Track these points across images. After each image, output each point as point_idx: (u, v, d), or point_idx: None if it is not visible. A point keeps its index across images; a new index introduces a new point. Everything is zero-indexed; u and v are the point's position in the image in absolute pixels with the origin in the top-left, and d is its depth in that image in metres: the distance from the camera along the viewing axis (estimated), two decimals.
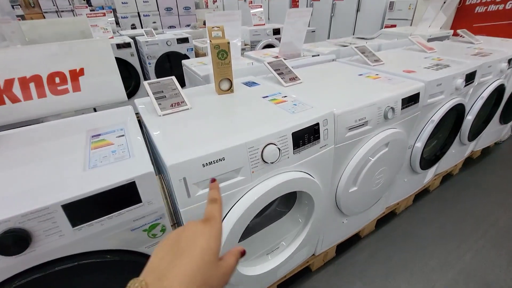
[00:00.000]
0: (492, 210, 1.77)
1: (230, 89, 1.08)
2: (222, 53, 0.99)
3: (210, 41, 0.99)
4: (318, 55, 1.66)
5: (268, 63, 1.23)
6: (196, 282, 0.28)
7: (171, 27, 4.70)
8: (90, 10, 4.17)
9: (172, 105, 0.92)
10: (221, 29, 1.01)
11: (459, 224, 1.68)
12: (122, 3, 4.25)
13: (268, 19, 7.06)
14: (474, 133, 1.83)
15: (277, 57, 1.69)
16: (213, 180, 0.42)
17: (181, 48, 2.96)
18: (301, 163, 0.86)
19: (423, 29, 2.22)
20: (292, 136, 0.79)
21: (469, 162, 2.24)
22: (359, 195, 1.15)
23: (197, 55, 3.10)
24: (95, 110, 0.99)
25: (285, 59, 1.59)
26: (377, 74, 1.28)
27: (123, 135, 0.78)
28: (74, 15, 4.19)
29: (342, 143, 0.96)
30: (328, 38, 5.93)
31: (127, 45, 2.69)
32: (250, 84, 1.19)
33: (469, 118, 1.63)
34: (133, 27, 4.42)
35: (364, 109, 0.97)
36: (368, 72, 1.32)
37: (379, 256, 1.50)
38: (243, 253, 0.36)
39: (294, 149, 0.81)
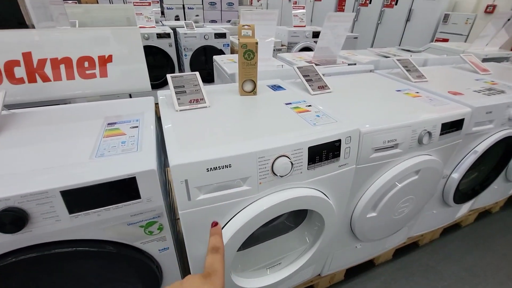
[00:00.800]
0: None
1: (253, 91, 1.03)
2: (248, 53, 0.95)
3: (239, 39, 0.96)
4: (355, 63, 1.56)
5: (297, 67, 1.17)
6: None
7: (212, 21, 4.78)
8: None
9: (190, 101, 0.90)
10: (251, 28, 0.97)
11: (491, 268, 1.49)
12: None
13: (311, 21, 6.92)
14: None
15: (310, 61, 1.62)
16: (215, 224, 0.38)
17: (218, 43, 2.98)
18: (315, 180, 0.80)
19: (479, 47, 2.00)
20: (309, 150, 0.73)
21: None
22: (378, 222, 1.06)
23: (232, 51, 3.11)
24: (130, 96, 1.00)
25: (317, 64, 1.52)
26: (417, 92, 1.16)
27: (136, 127, 0.77)
28: (124, 2, 4.44)
29: (365, 164, 0.88)
30: (371, 46, 5.66)
31: (167, 35, 2.76)
32: (275, 88, 1.14)
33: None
34: (177, 18, 4.56)
35: (396, 130, 0.87)
36: (408, 89, 1.20)
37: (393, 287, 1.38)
38: None
39: (309, 164, 0.75)
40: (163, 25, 3.33)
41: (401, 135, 0.89)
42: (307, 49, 3.37)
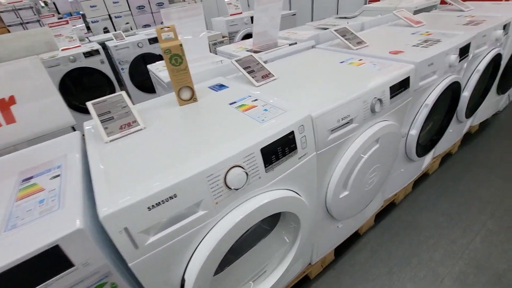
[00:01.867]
0: (497, 188, 1.66)
1: (193, 98, 0.94)
2: (175, 58, 0.85)
3: (161, 45, 0.85)
4: (296, 43, 1.51)
5: (236, 61, 1.08)
6: None
7: (146, 26, 4.46)
8: (58, 18, 3.94)
9: (121, 127, 0.78)
10: (172, 29, 0.86)
11: (463, 207, 1.58)
12: (90, 6, 4.01)
13: (248, 6, 6.78)
14: (472, 109, 1.70)
15: (252, 50, 1.54)
16: None
17: (155, 49, 2.78)
18: (278, 180, 0.74)
19: (408, 1, 2.05)
20: (262, 152, 0.67)
21: (468, 138, 2.12)
22: (352, 199, 1.04)
23: None
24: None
25: (258, 51, 1.45)
26: (361, 60, 1.14)
27: (58, 175, 0.65)
28: (40, 25, 3.96)
29: (325, 148, 0.84)
30: (312, 20, 5.70)
31: (95, 52, 2.51)
32: (218, 87, 1.05)
33: (466, 94, 1.50)
34: (106, 30, 4.19)
35: (347, 106, 0.83)
36: (351, 58, 1.18)
37: (381, 253, 1.40)
38: None
39: (265, 166, 0.69)
40: (90, 41, 3.02)
41: (353, 109, 0.85)
42: (250, 35, 3.27)
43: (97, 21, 4.11)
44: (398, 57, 1.10)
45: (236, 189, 0.63)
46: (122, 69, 2.70)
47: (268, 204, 0.70)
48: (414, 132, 1.22)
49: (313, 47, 1.49)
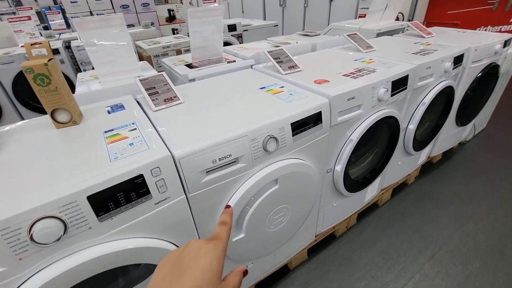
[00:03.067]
0: (444, 227, 1.57)
1: (71, 120, 0.84)
2: (40, 78, 0.75)
3: (26, 62, 0.75)
4: (234, 61, 1.42)
5: (140, 81, 0.99)
6: None
7: (129, 26, 4.38)
8: (36, 12, 3.86)
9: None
10: (44, 45, 0.78)
11: (405, 246, 1.48)
12: (71, 2, 3.93)
13: (242, 12, 6.75)
14: (423, 142, 1.62)
15: (190, 65, 1.45)
16: (228, 207, 0.42)
17: None
18: (120, 230, 0.64)
19: (373, 22, 1.98)
20: (89, 200, 0.57)
21: (428, 168, 2.04)
22: (253, 241, 0.94)
23: (140, 58, 2.83)
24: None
25: (194, 67, 1.37)
26: (282, 87, 1.05)
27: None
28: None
29: (200, 190, 0.74)
30: (303, 29, 5.66)
31: (55, 51, 2.42)
32: (116, 108, 0.95)
33: (411, 127, 1.41)
34: None
35: (228, 144, 0.74)
36: (273, 85, 1.09)
37: None
38: (245, 273, 0.36)
39: (98, 216, 0.59)
40: (59, 39, 2.93)
41: (238, 148, 0.76)
42: (226, 44, 3.20)
43: (77, 17, 4.02)
44: (318, 88, 1.01)
45: (44, 244, 0.54)
46: (85, 70, 2.60)
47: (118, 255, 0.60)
48: (339, 168, 1.12)
49: (252, 66, 1.40)
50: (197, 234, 0.81)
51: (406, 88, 1.20)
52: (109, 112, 0.92)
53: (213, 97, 1.00)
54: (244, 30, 3.38)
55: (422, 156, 1.79)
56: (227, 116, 0.85)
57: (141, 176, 0.62)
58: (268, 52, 1.24)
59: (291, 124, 0.85)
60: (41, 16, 4.07)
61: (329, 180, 1.18)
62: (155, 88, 0.99)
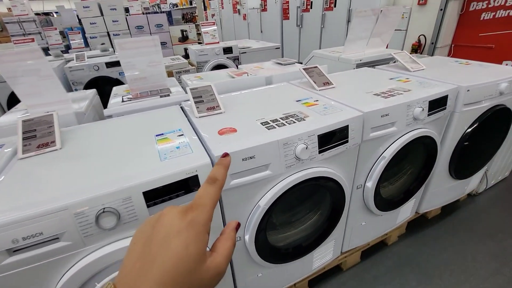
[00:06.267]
0: None
1: None
2: None
3: None
4: (168, 94, 1.29)
5: (22, 120, 0.89)
6: None
7: None
8: (59, 32, 4.19)
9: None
10: None
11: None
12: (90, 23, 4.21)
13: (261, 32, 6.75)
14: (393, 202, 1.31)
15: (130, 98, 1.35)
16: (226, 155, 0.32)
17: (112, 72, 2.73)
18: None
19: (352, 51, 1.73)
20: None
21: (420, 224, 1.68)
22: None
23: None
24: None
25: (132, 99, 1.26)
26: (181, 135, 0.88)
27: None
28: (41, 37, 4.25)
29: None
30: (319, 48, 5.46)
31: None
32: None
33: (369, 185, 1.13)
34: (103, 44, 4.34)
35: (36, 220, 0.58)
36: (173, 132, 0.91)
37: None
38: (238, 227, 0.30)
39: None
40: (61, 59, 3.09)
41: (65, 224, 0.60)
42: (221, 66, 3.12)
43: (95, 37, 4.28)
44: (211, 143, 0.81)
45: None
46: (76, 89, 2.68)
47: None
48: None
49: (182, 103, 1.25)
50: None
51: (347, 141, 0.95)
52: None
53: (109, 142, 0.87)
54: (243, 53, 3.29)
55: (403, 214, 1.47)
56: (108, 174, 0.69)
57: None
58: (192, 89, 1.08)
59: (144, 193, 0.67)
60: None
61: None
62: (35, 131, 0.88)
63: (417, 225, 1.66)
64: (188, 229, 0.24)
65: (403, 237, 1.62)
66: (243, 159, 0.76)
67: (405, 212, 1.47)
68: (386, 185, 1.33)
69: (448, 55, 3.75)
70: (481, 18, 3.48)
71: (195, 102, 1.03)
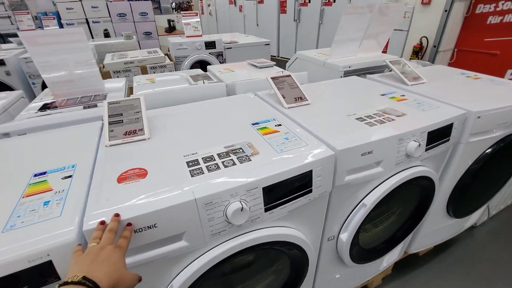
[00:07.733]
0: None
1: None
2: None
3: None
4: (96, 105, 1.00)
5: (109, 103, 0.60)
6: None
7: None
8: (34, 17, 3.83)
9: None
10: None
11: None
12: (66, 8, 3.86)
13: (257, 25, 6.40)
14: (375, 250, 1.05)
15: (47, 105, 1.06)
16: (129, 224, 0.49)
17: None
18: None
19: (337, 56, 1.45)
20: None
21: (408, 262, 1.43)
22: None
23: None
24: None
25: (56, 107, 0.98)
26: (68, 177, 0.61)
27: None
28: (11, 21, 3.89)
29: None
30: (317, 47, 5.16)
31: (1, 62, 2.22)
32: None
33: (343, 237, 0.87)
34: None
35: None
36: (60, 171, 0.64)
37: None
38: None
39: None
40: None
41: None
42: (202, 63, 2.82)
43: (72, 24, 3.94)
44: (92, 201, 0.54)
45: None
46: (33, 83, 2.38)
47: None
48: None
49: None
50: None
51: (310, 191, 0.68)
52: None
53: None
54: (228, 48, 2.98)
55: (389, 258, 1.21)
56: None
57: None
58: (108, 102, 0.80)
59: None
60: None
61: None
62: None
63: (405, 265, 1.41)
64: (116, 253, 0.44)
65: (388, 279, 1.37)
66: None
67: (392, 255, 1.22)
68: (368, 228, 1.07)
69: (451, 60, 3.48)
70: (488, 22, 3.21)
71: (110, 123, 0.75)
